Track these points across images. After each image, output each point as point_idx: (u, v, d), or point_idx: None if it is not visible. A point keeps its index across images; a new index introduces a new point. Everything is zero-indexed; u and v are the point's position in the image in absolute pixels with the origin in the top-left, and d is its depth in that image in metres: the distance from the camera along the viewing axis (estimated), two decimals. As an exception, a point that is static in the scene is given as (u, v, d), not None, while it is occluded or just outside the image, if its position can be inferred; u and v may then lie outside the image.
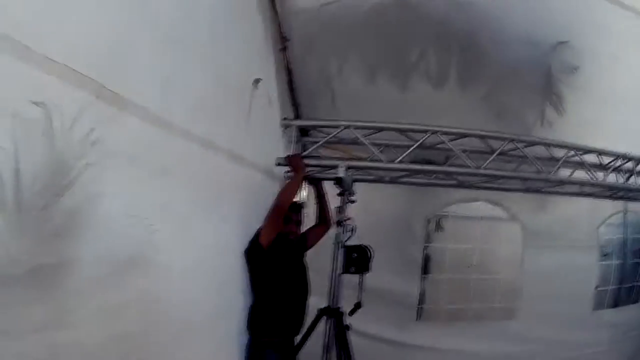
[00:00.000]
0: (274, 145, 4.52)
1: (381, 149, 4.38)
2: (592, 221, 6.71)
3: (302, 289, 3.99)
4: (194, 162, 2.84)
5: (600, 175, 4.97)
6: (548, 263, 6.27)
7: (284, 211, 3.76)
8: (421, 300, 6.17)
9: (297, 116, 5.08)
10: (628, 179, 5.15)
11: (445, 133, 4.34)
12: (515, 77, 4.88)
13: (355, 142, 4.43)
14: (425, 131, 4.30)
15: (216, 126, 3.10)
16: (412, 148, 4.27)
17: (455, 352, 6.14)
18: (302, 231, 4.17)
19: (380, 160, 4.22)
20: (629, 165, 5.23)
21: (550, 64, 4.82)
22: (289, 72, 4.82)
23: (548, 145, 4.80)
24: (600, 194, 5.35)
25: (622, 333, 7.02)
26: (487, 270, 6.42)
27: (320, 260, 4.27)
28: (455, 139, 4.40)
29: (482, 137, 4.54)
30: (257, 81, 3.78)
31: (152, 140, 2.30)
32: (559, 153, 4.84)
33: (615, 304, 7.18)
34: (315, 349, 3.98)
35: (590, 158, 5.02)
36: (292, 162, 4.13)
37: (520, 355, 6.22)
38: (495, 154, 4.44)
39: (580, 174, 5.01)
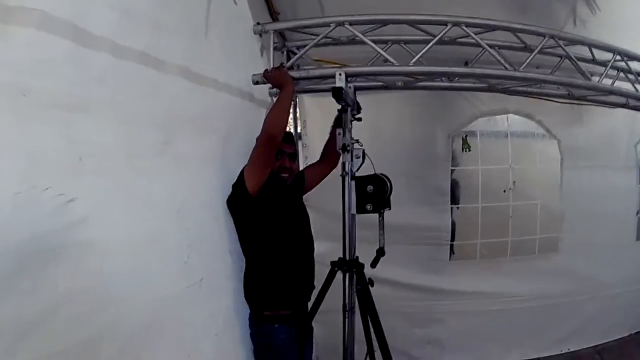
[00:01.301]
0: (251, 59, 3.70)
1: (386, 47, 3.57)
2: (631, 138, 6.06)
3: (306, 243, 3.29)
4: (134, 86, 2.16)
5: None
6: (589, 185, 5.64)
7: (276, 143, 2.92)
8: (453, 235, 5.49)
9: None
10: None
11: (470, 25, 3.49)
12: None
13: (352, 42, 3.62)
14: (445, 22, 3.43)
15: (164, 35, 2.39)
16: (430, 44, 3.39)
17: (495, 294, 5.55)
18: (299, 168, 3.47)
19: (389, 63, 3.36)
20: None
21: None
22: None
23: (594, 46, 4.11)
24: None
25: None
26: (525, 194, 5.74)
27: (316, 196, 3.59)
28: (481, 32, 3.58)
29: (514, 30, 3.72)
30: None
31: (57, 58, 1.69)
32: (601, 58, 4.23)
33: None
34: (330, 305, 3.26)
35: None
36: (275, 76, 3.23)
37: (563, 294, 5.64)
38: (534, 53, 3.63)
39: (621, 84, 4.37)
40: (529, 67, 3.67)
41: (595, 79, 4.03)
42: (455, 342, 5.51)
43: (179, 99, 2.56)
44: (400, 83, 3.65)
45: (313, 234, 3.40)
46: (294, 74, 3.26)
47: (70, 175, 1.70)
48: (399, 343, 4.43)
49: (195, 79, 2.74)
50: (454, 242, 5.49)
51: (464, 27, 3.44)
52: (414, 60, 3.34)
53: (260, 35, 3.44)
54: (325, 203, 3.62)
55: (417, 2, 3.91)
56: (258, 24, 3.48)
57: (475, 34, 3.51)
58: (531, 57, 3.61)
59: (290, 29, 3.64)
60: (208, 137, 2.95)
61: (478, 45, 3.58)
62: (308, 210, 3.46)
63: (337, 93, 3.06)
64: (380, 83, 3.60)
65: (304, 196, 3.53)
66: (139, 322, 2.09)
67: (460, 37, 3.65)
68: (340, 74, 3.07)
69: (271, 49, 3.38)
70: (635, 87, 4.34)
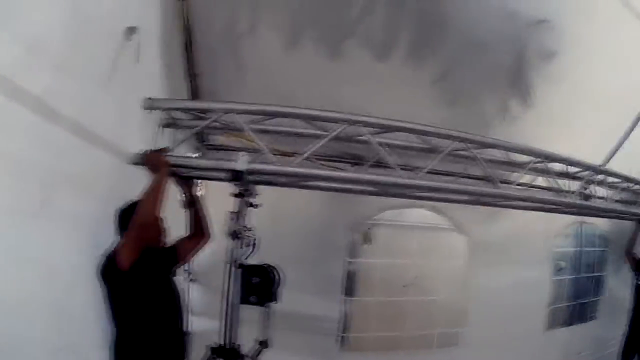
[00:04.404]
0: (144, 126, 3.66)
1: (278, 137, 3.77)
2: (547, 233, 6.56)
3: (174, 318, 3.32)
4: (26, 135, 2.19)
5: (565, 183, 4.70)
6: (497, 280, 6.00)
7: (148, 228, 3.09)
8: (346, 327, 5.68)
9: (194, 90, 4.35)
10: (586, 197, 4.87)
11: (369, 125, 3.60)
12: (481, 55, 4.51)
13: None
14: (338, 120, 3.52)
15: (65, 79, 2.41)
16: (320, 144, 3.52)
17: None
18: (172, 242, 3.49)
19: (271, 162, 3.43)
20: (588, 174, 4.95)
21: (526, 44, 4.56)
22: (188, 30, 4.10)
23: (509, 149, 4.33)
24: (559, 210, 5.06)
25: (575, 353, 7.01)
26: (426, 290, 6.06)
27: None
28: (382, 132, 3.72)
29: (418, 132, 3.85)
30: (131, 31, 3.05)
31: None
32: (520, 156, 4.47)
33: (570, 322, 7.24)
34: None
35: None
36: (150, 161, 3.31)
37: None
38: (438, 158, 3.80)
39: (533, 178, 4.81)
40: (438, 166, 3.85)
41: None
42: None
43: (65, 154, 2.58)
44: (283, 180, 3.73)
45: (193, 309, 3.47)
46: (173, 160, 3.30)
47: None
48: None
49: (85, 134, 2.76)
50: (347, 334, 5.63)
51: (362, 127, 3.56)
52: (298, 160, 3.41)
53: (150, 111, 3.45)
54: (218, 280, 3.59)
55: (342, 86, 4.24)
56: (150, 99, 3.44)
57: (375, 134, 3.63)
58: (433, 163, 3.76)
59: (177, 109, 3.65)
60: (86, 199, 2.96)
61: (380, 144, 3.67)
62: (196, 286, 3.48)
63: (238, 176, 3.19)
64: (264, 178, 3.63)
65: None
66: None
67: (360, 135, 3.70)
68: (242, 156, 3.17)
69: (159, 128, 3.41)
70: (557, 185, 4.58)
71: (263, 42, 4.26)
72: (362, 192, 4.26)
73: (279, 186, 3.77)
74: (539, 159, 4.40)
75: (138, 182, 3.14)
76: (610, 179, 5.30)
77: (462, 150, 3.94)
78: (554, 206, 4.76)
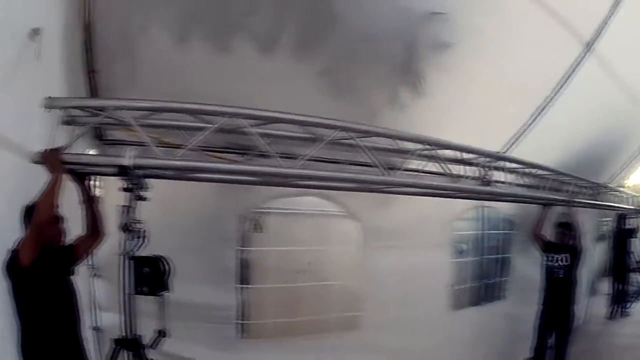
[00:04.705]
0: (47, 124, 3.88)
1: (165, 132, 4.07)
2: (444, 216, 6.92)
3: (70, 317, 3.63)
4: None
5: (458, 168, 5.02)
6: (394, 264, 6.32)
7: (45, 223, 3.39)
8: (244, 315, 5.97)
9: (93, 88, 4.60)
10: (487, 182, 5.29)
11: (250, 117, 3.93)
12: (370, 46, 4.73)
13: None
14: (222, 113, 3.86)
15: None
16: (201, 137, 3.86)
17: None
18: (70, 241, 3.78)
19: (154, 157, 3.75)
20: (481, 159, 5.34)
21: (417, 37, 4.77)
22: (88, 28, 4.29)
23: (393, 137, 4.59)
24: (452, 195, 5.47)
25: (488, 330, 7.52)
26: (321, 276, 6.43)
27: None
28: (264, 124, 4.04)
29: (300, 123, 4.17)
30: (35, 32, 3.32)
31: None
32: (408, 144, 4.72)
33: (477, 302, 7.80)
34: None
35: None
36: (46, 160, 3.57)
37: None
38: (318, 147, 4.15)
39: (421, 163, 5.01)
40: (323, 154, 4.21)
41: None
42: None
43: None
44: (170, 173, 4.04)
45: (100, 304, 3.79)
46: (69, 157, 3.58)
47: None
48: None
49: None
50: (245, 322, 5.94)
51: (242, 120, 3.89)
52: (181, 153, 3.75)
53: (49, 109, 3.69)
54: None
55: (230, 80, 4.49)
56: (49, 98, 3.65)
57: (256, 126, 3.95)
58: (312, 152, 4.11)
59: (74, 107, 3.87)
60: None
61: (263, 135, 4.01)
62: (100, 281, 3.83)
63: (124, 171, 3.51)
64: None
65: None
66: None
67: (242, 127, 3.99)
68: (130, 152, 3.50)
69: (58, 126, 3.67)
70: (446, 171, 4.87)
71: (154, 39, 4.44)
72: (245, 183, 4.62)
73: (167, 179, 4.06)
74: (426, 147, 4.69)
75: (44, 180, 3.41)
76: (511, 165, 5.76)
77: (346, 139, 4.24)
78: (448, 192, 5.11)
